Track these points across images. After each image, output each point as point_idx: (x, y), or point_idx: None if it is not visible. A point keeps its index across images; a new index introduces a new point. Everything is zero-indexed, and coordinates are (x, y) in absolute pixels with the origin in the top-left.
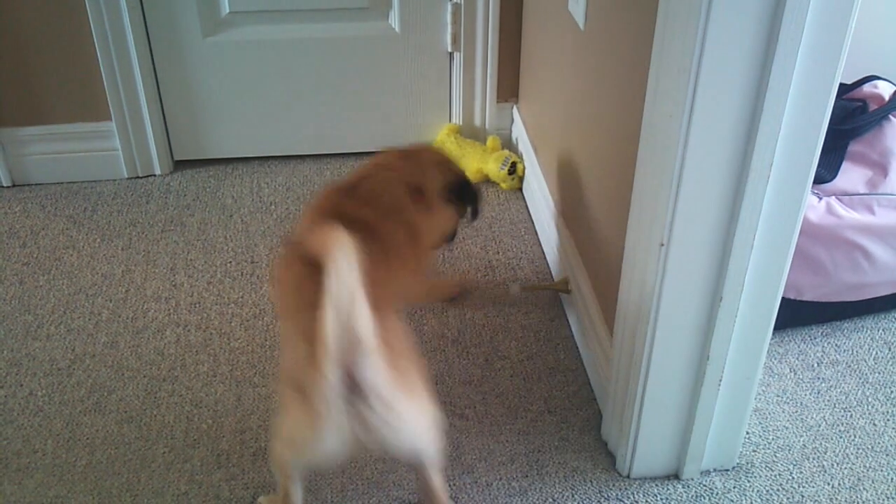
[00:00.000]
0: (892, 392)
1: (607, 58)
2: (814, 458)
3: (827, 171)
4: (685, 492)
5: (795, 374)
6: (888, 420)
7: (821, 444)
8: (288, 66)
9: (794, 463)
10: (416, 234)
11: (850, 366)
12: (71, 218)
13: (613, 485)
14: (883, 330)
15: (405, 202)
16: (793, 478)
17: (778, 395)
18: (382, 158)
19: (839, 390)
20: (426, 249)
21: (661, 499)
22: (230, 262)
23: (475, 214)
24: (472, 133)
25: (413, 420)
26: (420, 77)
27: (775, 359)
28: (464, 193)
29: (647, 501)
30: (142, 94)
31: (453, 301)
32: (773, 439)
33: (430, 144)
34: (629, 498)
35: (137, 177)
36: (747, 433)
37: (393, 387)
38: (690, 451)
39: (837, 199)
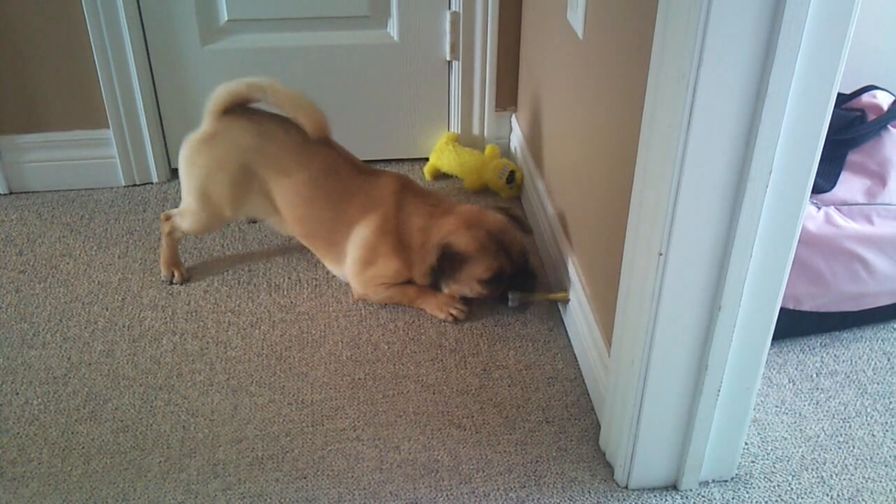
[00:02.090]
0: (891, 403)
1: (606, 66)
2: (813, 469)
3: (825, 180)
4: (683, 503)
5: (794, 384)
6: (887, 431)
7: (819, 454)
8: (286, 75)
9: (793, 474)
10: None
11: (848, 376)
12: (68, 226)
13: (612, 496)
14: (882, 340)
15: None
16: (791, 489)
17: (777, 406)
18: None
19: (838, 401)
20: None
21: None
22: (227, 270)
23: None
24: (470, 142)
25: None
26: (418, 86)
27: (774, 369)
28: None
29: None
30: (139, 101)
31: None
32: (771, 450)
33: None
34: None
35: (134, 185)
36: (746, 444)
37: None
38: (689, 462)
39: (836, 208)
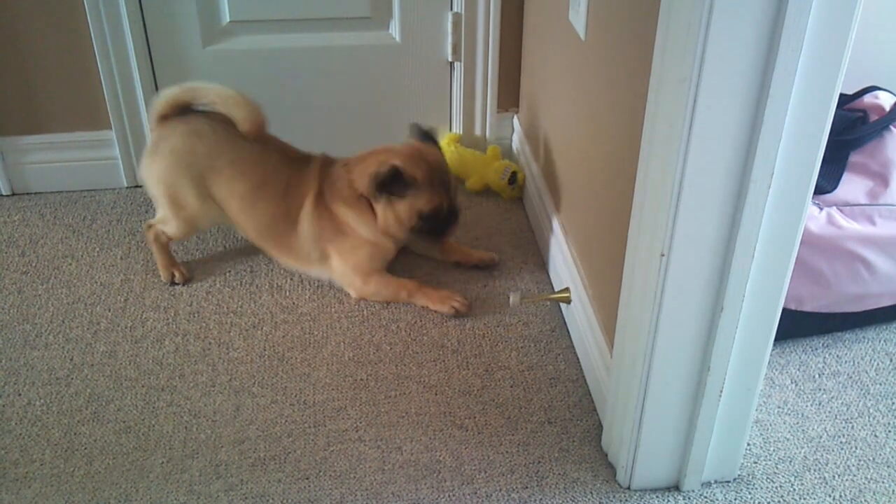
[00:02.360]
0: (893, 403)
1: (608, 67)
2: (815, 470)
3: (827, 181)
4: None
5: (796, 385)
6: (889, 431)
7: (822, 455)
8: (288, 76)
9: (796, 475)
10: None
11: (851, 377)
12: (70, 227)
13: (614, 496)
14: (884, 341)
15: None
16: (794, 490)
17: (779, 407)
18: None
19: (840, 401)
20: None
21: None
22: (229, 271)
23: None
24: (472, 142)
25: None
26: (420, 87)
27: (776, 370)
28: (393, 188)
29: None
30: (142, 102)
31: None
32: (774, 451)
33: (425, 145)
34: None
35: (137, 186)
36: (748, 445)
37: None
38: (691, 463)
39: (838, 209)
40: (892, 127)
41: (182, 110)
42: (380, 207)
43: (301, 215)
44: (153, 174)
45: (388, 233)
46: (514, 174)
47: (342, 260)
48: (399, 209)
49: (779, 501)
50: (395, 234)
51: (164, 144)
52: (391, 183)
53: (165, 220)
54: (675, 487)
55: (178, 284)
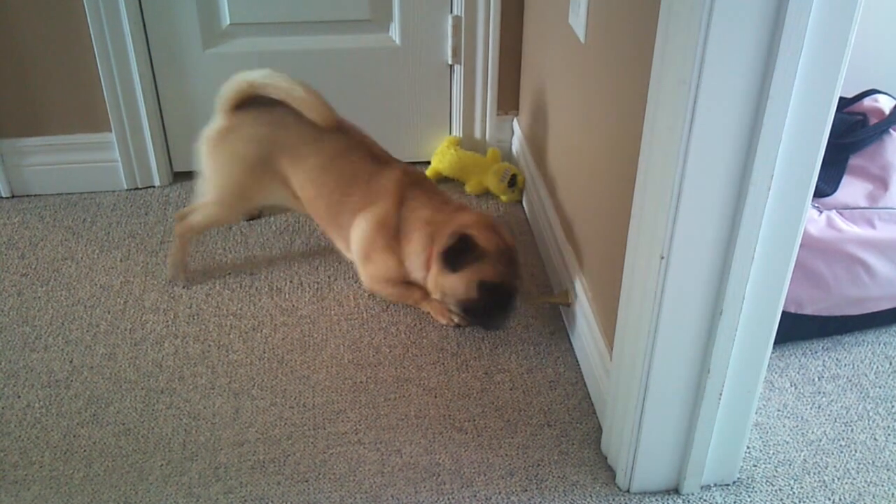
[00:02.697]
0: (893, 406)
1: (608, 70)
2: (814, 473)
3: (827, 184)
4: None
5: (796, 388)
6: (889, 435)
7: (822, 458)
8: None
9: (795, 478)
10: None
11: (850, 380)
12: (70, 229)
13: (613, 499)
14: (884, 344)
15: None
16: (793, 493)
17: (778, 410)
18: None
19: (840, 405)
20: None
21: None
22: (229, 273)
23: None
24: (472, 145)
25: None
26: (420, 89)
27: (776, 373)
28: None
29: None
30: (142, 105)
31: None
32: (773, 454)
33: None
34: None
35: (137, 188)
36: (748, 448)
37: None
38: (691, 466)
39: (838, 212)
40: (891, 130)
41: (251, 100)
42: (442, 272)
43: (363, 214)
44: (219, 156)
45: (432, 288)
46: (513, 177)
47: (370, 263)
48: (456, 278)
49: None
50: (444, 296)
51: (241, 131)
52: (458, 252)
53: (208, 206)
54: (675, 490)
55: (177, 286)
